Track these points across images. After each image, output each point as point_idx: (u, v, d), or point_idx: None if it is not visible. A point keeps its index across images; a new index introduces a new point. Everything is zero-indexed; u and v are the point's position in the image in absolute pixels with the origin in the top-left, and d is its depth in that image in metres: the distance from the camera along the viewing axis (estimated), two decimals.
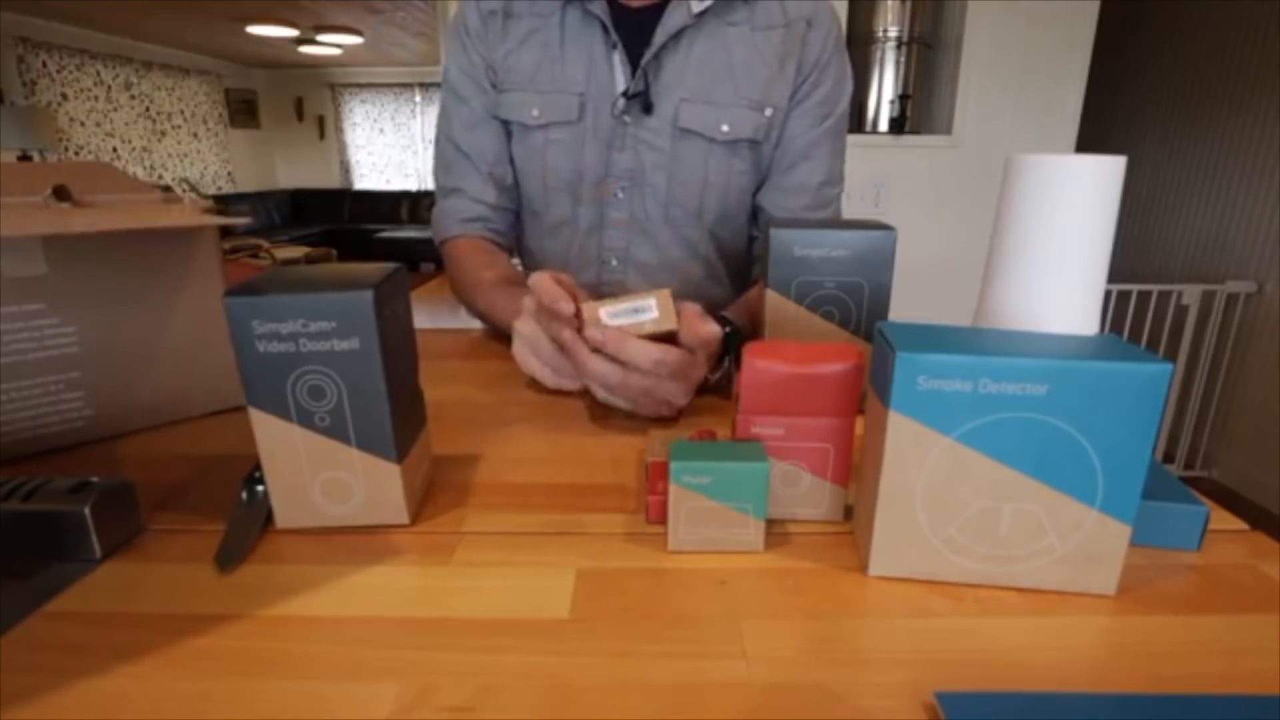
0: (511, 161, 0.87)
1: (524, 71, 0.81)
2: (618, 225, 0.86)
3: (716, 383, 0.59)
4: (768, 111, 0.80)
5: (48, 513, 0.37)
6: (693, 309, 0.52)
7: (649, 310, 0.48)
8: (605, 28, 0.77)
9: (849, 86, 0.84)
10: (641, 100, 0.78)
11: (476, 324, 0.95)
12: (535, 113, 0.81)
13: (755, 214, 0.88)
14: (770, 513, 0.40)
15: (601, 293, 0.89)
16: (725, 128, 0.79)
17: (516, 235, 0.95)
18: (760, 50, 0.79)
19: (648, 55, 0.77)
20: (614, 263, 0.88)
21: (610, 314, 0.47)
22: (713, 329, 0.51)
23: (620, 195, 0.84)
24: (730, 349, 0.62)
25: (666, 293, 0.49)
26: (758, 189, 0.86)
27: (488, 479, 0.48)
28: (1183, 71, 2.56)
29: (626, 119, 0.80)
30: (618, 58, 0.79)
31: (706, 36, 0.78)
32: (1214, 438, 2.42)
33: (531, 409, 0.60)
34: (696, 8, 0.76)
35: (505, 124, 0.84)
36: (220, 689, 0.29)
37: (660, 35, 0.76)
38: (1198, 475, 2.43)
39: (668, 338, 0.49)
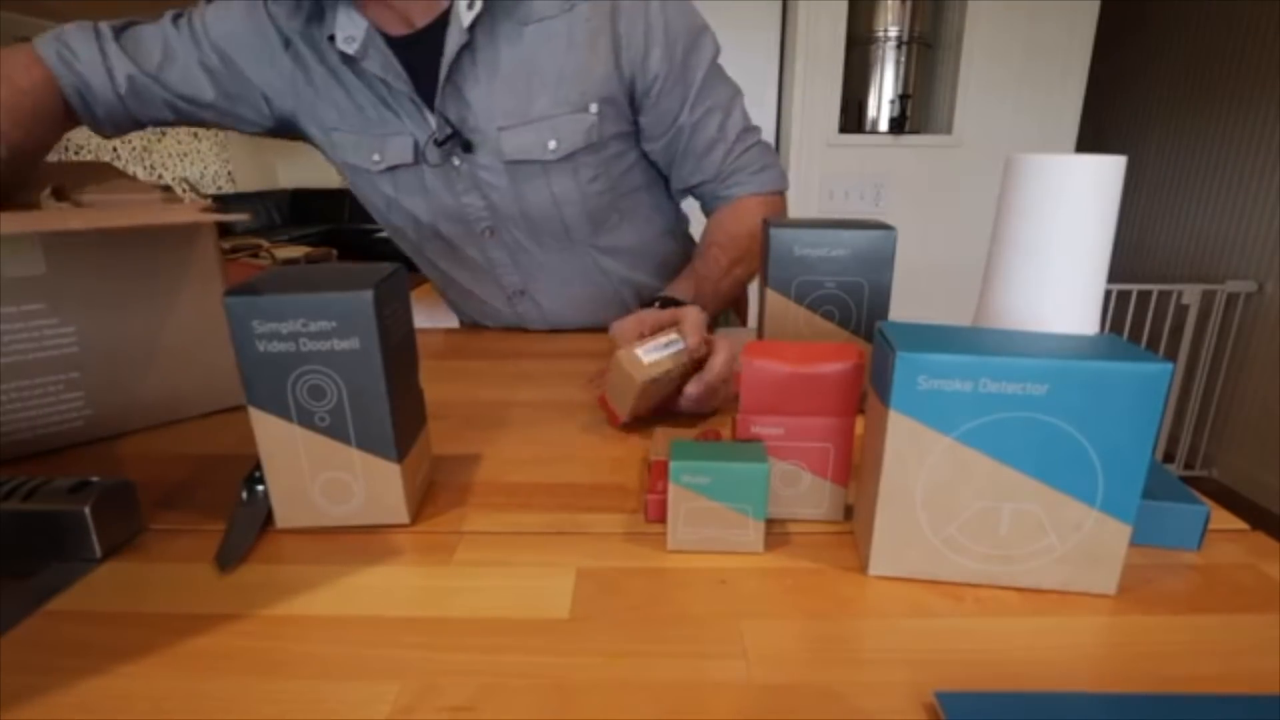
0: (366, 200, 0.82)
1: (356, 115, 0.75)
2: (503, 264, 0.83)
3: None
4: (593, 108, 0.72)
5: (48, 512, 0.37)
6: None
7: (677, 343, 0.51)
8: (393, 84, 0.71)
9: (701, 27, 0.75)
10: (458, 141, 0.72)
11: (480, 323, 0.95)
12: (375, 158, 0.76)
13: (663, 187, 0.86)
14: (770, 512, 0.40)
15: (524, 320, 0.88)
16: (553, 144, 0.73)
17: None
18: (564, 39, 0.70)
19: (439, 92, 0.70)
20: (518, 295, 0.85)
21: (645, 352, 0.50)
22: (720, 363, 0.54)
23: (489, 235, 0.80)
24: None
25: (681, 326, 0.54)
26: (647, 175, 0.83)
27: (488, 479, 0.48)
28: (1183, 71, 2.56)
29: (455, 161, 0.74)
30: (423, 104, 0.72)
31: (501, 48, 0.70)
32: (1214, 438, 2.42)
33: (531, 409, 0.60)
34: (466, 19, 0.67)
35: (346, 166, 0.78)
36: (220, 689, 0.29)
37: (444, 68, 0.69)
38: (1198, 475, 2.43)
39: (691, 364, 0.53)
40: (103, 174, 0.66)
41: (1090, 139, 2.47)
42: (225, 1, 0.75)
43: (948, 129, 2.17)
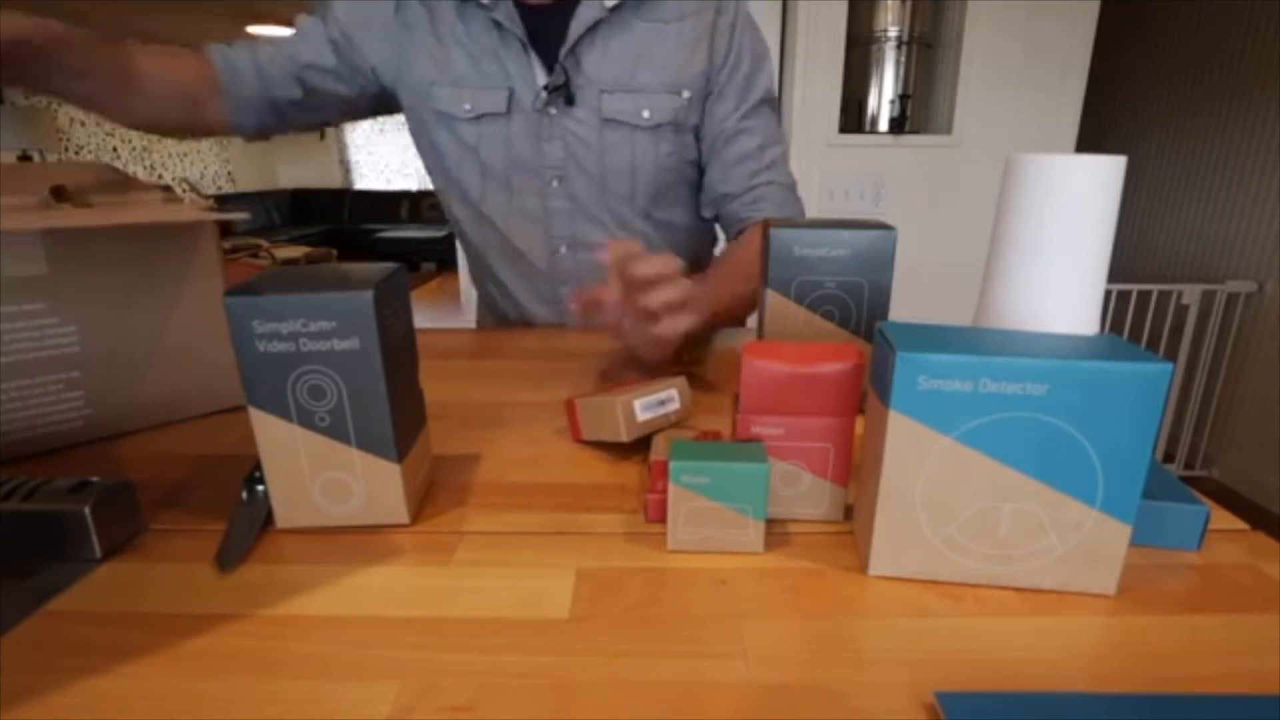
0: (439, 153, 0.88)
1: (455, 68, 0.82)
2: (560, 213, 0.88)
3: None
4: (685, 94, 0.83)
5: (48, 512, 0.37)
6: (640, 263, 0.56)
7: (672, 401, 0.52)
8: (513, 31, 0.79)
9: (765, 56, 0.87)
10: (563, 93, 0.81)
11: (502, 321, 0.96)
12: (467, 106, 0.83)
13: (700, 190, 0.92)
14: (770, 512, 0.40)
15: (556, 279, 0.91)
16: (646, 113, 0.83)
17: (457, 229, 0.96)
18: (673, 39, 0.82)
19: (564, 50, 0.79)
20: (563, 249, 0.90)
21: (642, 406, 0.50)
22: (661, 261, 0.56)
23: (556, 185, 0.86)
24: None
25: (682, 380, 0.53)
26: (700, 171, 0.90)
27: (488, 479, 0.48)
28: (1183, 71, 2.56)
29: (552, 111, 0.83)
30: (534, 55, 0.81)
31: (620, 31, 0.81)
32: (1214, 438, 2.42)
33: (531, 409, 0.60)
34: (610, 1, 0.79)
35: (437, 115, 0.85)
36: (220, 689, 0.29)
37: (575, 30, 0.79)
38: (1198, 475, 2.43)
39: (679, 422, 0.53)
40: (103, 174, 0.65)
41: (1090, 139, 2.47)
42: None
43: (948, 129, 2.17)
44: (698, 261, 0.97)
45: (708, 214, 0.93)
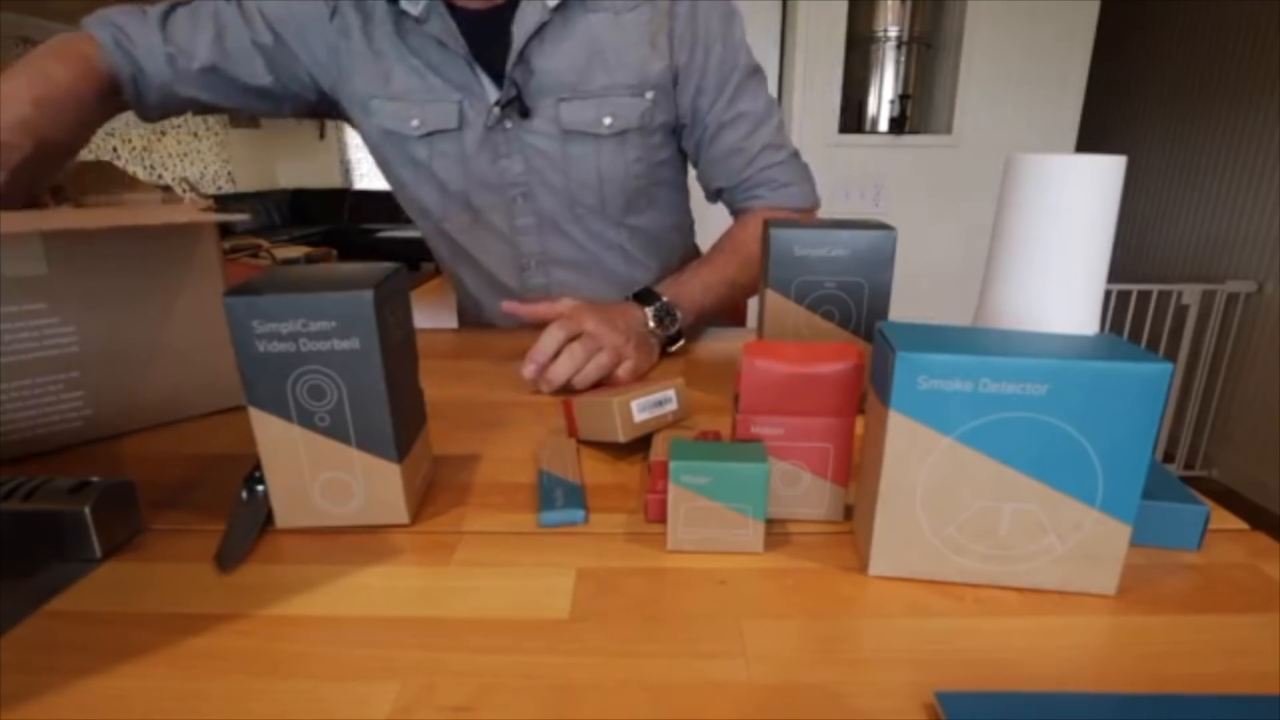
0: (393, 171, 0.84)
1: (396, 81, 0.76)
2: (528, 230, 0.84)
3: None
4: (648, 95, 0.77)
5: (48, 513, 0.37)
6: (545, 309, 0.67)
7: (670, 402, 0.51)
8: (455, 50, 0.73)
9: (732, 23, 0.79)
10: (517, 106, 0.76)
11: (481, 324, 0.95)
12: (415, 123, 0.78)
13: (686, 184, 0.90)
14: (770, 512, 0.40)
15: (526, 299, 0.86)
16: (608, 120, 0.77)
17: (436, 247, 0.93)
18: (628, 32, 0.75)
19: (510, 60, 0.73)
20: (533, 265, 0.87)
21: (639, 406, 0.49)
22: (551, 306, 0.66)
23: (521, 201, 0.82)
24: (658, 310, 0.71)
25: (681, 380, 0.53)
26: (681, 167, 0.87)
27: (488, 479, 0.48)
28: (1183, 71, 2.56)
29: (507, 125, 0.77)
30: (480, 69, 0.75)
31: (571, 28, 0.74)
32: (1214, 438, 2.42)
33: (531, 409, 0.60)
34: (553, 1, 0.72)
35: (383, 133, 0.80)
36: (220, 689, 0.29)
37: (519, 37, 0.72)
38: (1198, 475, 2.43)
39: (677, 423, 0.53)
40: (103, 174, 0.66)
41: (1090, 139, 2.47)
42: None
43: (947, 129, 2.17)
44: (671, 257, 0.93)
45: (711, 201, 0.89)
